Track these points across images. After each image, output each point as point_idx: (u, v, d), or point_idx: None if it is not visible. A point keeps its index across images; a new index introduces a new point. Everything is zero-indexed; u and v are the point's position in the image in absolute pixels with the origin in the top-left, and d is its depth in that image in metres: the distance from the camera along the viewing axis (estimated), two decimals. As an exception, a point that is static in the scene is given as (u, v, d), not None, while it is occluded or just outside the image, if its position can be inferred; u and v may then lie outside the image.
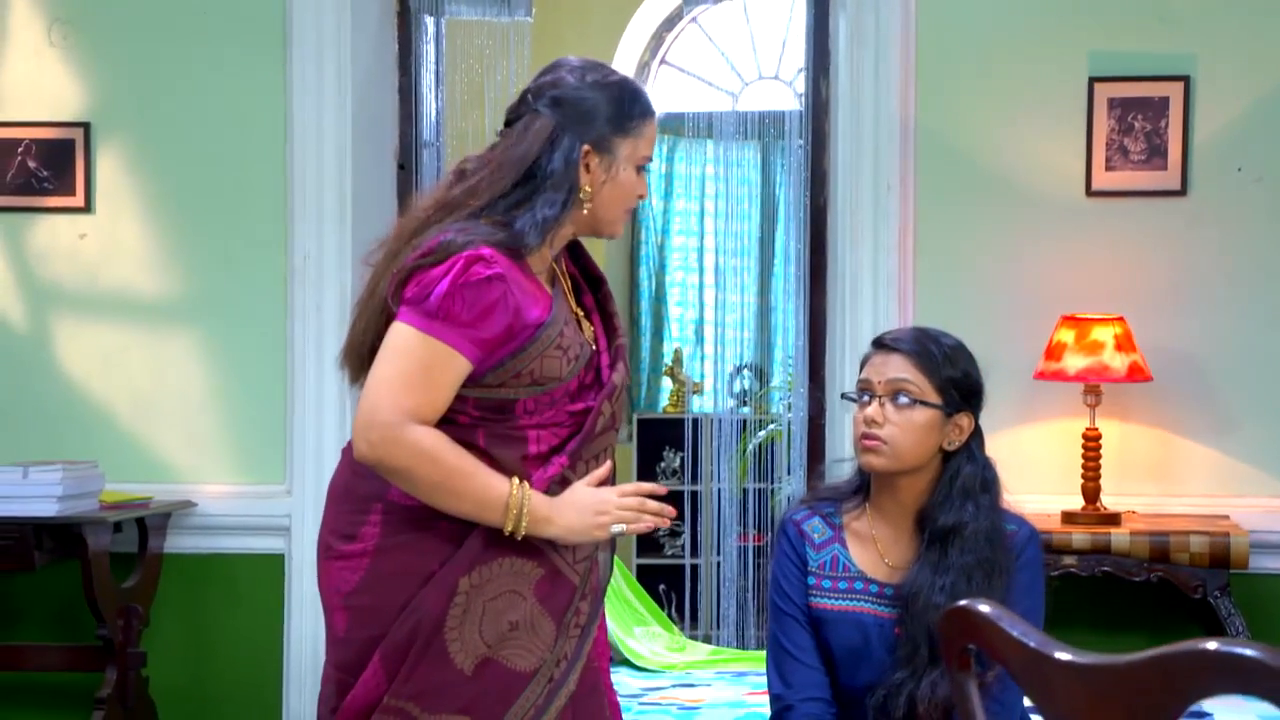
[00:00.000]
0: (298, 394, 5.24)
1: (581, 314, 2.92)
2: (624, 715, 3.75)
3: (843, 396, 3.19)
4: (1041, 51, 5.11)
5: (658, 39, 8.44)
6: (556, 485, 2.77)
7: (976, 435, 3.10)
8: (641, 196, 2.92)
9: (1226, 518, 4.87)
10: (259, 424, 5.29)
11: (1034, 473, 5.02)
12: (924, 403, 3.01)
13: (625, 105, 2.84)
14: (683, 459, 7.04)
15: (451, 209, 2.78)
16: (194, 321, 5.34)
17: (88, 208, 5.37)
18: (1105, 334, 4.76)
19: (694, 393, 7.87)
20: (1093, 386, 4.79)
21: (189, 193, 5.35)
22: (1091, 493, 4.81)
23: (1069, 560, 4.69)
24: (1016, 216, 5.09)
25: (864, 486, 3.14)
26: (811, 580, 3.09)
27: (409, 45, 5.52)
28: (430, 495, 2.69)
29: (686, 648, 4.59)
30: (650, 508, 2.85)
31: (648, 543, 7.49)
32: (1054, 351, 4.81)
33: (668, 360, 8.17)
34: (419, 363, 2.67)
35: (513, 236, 2.73)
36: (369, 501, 2.77)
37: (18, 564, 4.87)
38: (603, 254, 8.14)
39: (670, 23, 8.30)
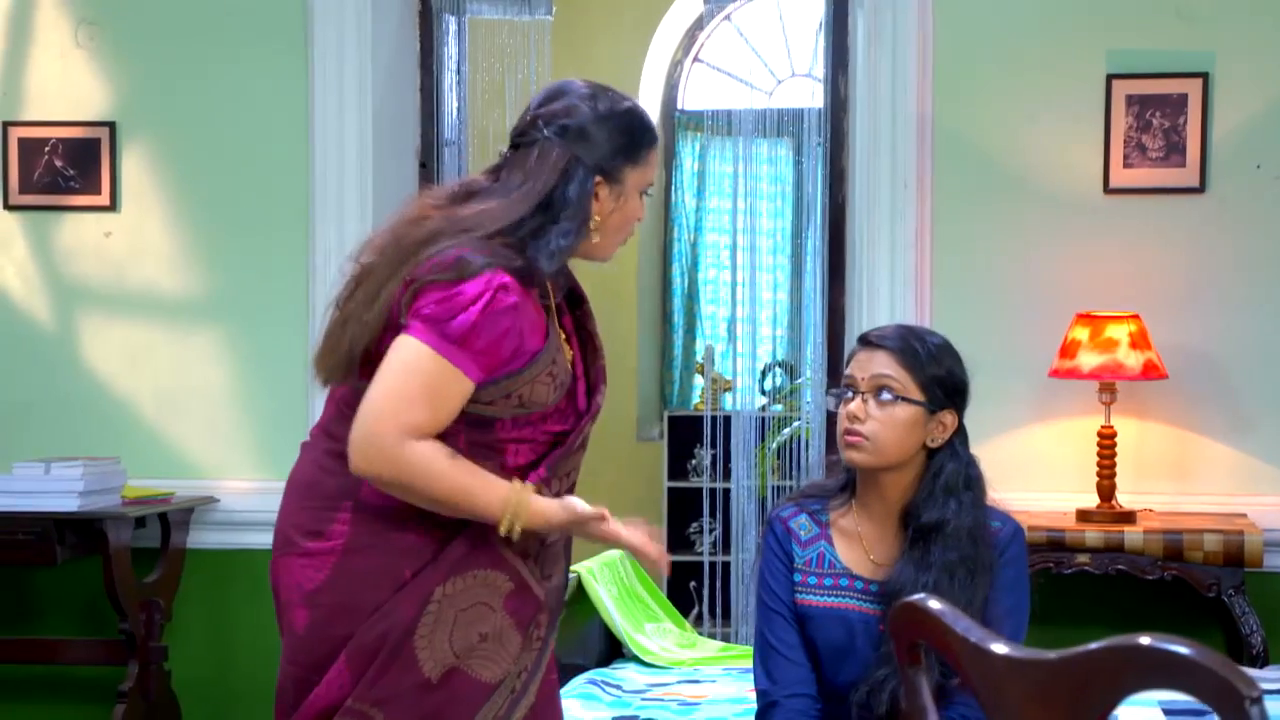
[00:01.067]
0: (318, 391, 5.24)
1: (563, 336, 2.93)
2: (627, 710, 3.79)
3: (828, 392, 3.21)
4: (1059, 49, 5.10)
5: (690, 37, 8.45)
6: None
7: (960, 432, 3.10)
8: (639, 220, 2.93)
9: (1244, 516, 4.86)
10: (281, 420, 5.34)
11: (1049, 471, 5.02)
12: (906, 399, 3.03)
13: (636, 135, 2.84)
14: (713, 456, 7.04)
15: (463, 228, 2.73)
16: (217, 319, 5.39)
17: (113, 206, 5.43)
18: (1120, 332, 4.75)
19: (724, 390, 7.88)
20: (1107, 384, 4.78)
21: (212, 191, 5.40)
22: (1106, 491, 4.80)
23: (1082, 558, 4.68)
24: (1033, 214, 5.09)
25: (850, 484, 3.16)
26: (798, 577, 3.11)
27: (430, 44, 5.56)
28: (426, 505, 2.68)
29: (697, 644, 4.60)
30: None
31: (679, 540, 7.51)
32: (1068, 349, 4.80)
33: (699, 358, 8.18)
34: (428, 381, 2.63)
35: (529, 265, 2.72)
36: (338, 499, 2.73)
37: (40, 559, 4.94)
38: (635, 252, 8.18)
39: (703, 21, 8.30)
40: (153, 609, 5.11)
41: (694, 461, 7.76)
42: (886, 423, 3.02)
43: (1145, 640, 1.68)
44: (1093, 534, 4.67)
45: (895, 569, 3.02)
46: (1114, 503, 4.80)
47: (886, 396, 3.03)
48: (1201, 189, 5.02)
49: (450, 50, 5.60)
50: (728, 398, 7.97)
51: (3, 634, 5.45)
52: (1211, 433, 5.01)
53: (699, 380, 8.14)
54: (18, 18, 5.45)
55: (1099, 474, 4.81)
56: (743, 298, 7.65)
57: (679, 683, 4.11)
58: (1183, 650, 1.64)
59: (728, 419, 6.76)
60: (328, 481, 2.76)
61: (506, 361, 2.69)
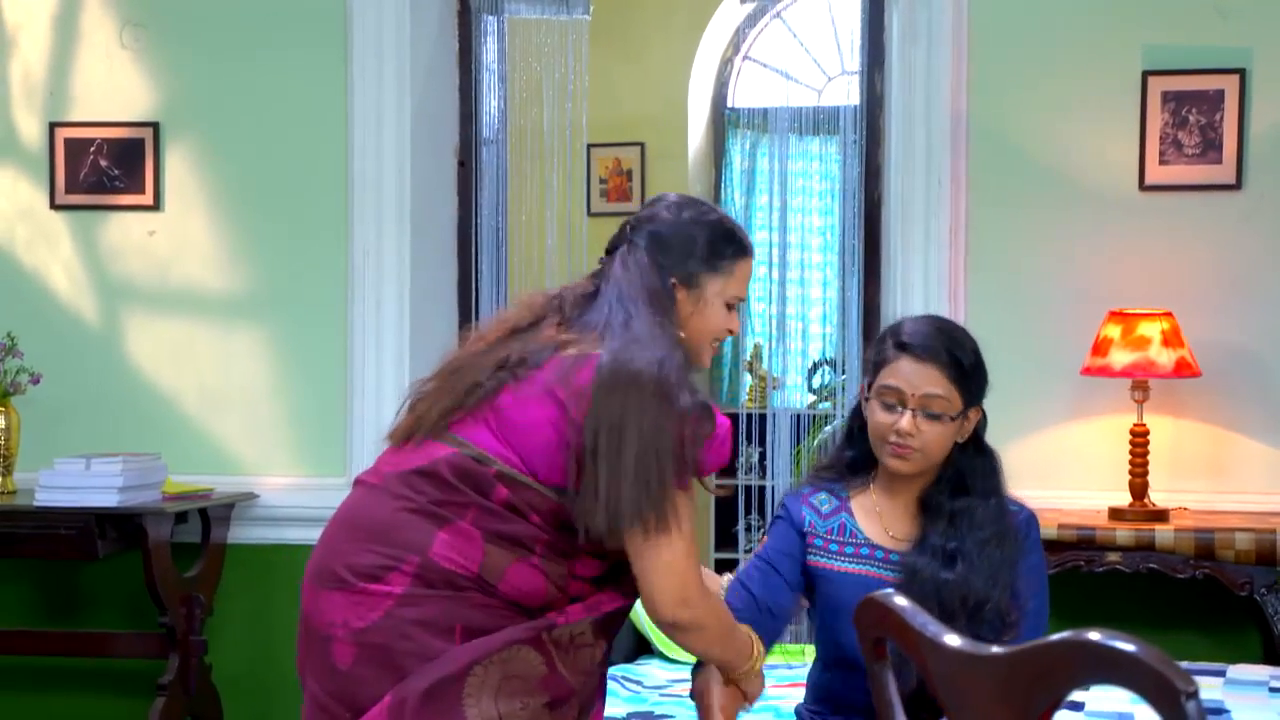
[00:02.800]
0: (357, 388, 5.33)
1: None
2: (643, 706, 3.80)
3: (864, 397, 3.20)
4: (1094, 45, 5.08)
5: (740, 34, 8.46)
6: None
7: (983, 422, 3.19)
8: (732, 332, 3.01)
9: (1279, 514, 4.82)
10: (320, 417, 5.40)
11: (1082, 469, 5.01)
12: (953, 416, 3.09)
13: (717, 244, 2.95)
14: (761, 454, 7.05)
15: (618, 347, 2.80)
16: (258, 316, 5.45)
17: (157, 205, 5.50)
18: (1152, 329, 4.73)
19: (773, 388, 7.88)
20: (1140, 382, 4.76)
21: (253, 190, 5.46)
22: (1139, 489, 4.78)
23: (1113, 557, 4.66)
24: (1068, 211, 5.07)
25: (861, 463, 3.22)
26: (818, 543, 3.18)
27: (469, 44, 5.60)
28: (709, 648, 2.89)
29: (723, 640, 4.60)
30: None
31: (725, 537, 7.53)
32: (1100, 347, 4.78)
33: (748, 355, 8.19)
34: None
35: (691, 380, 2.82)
36: (406, 550, 2.73)
37: (82, 553, 5.00)
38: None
39: (753, 18, 8.31)
40: (193, 603, 5.17)
41: (741, 459, 7.77)
42: (935, 437, 3.09)
43: (1090, 636, 1.69)
44: (1123, 532, 4.65)
45: (917, 545, 3.10)
46: (1146, 501, 4.78)
47: (936, 413, 3.08)
48: (1238, 186, 4.99)
49: (489, 50, 5.63)
50: (777, 395, 7.97)
51: (47, 626, 5.55)
52: (1247, 431, 4.97)
53: (749, 378, 8.15)
54: (64, 20, 5.53)
55: (1131, 472, 4.79)
56: (792, 295, 7.67)
57: (701, 679, 4.11)
58: (1123, 646, 1.65)
59: (774, 416, 6.77)
60: (398, 531, 2.75)
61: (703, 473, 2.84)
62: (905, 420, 3.06)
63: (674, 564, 2.72)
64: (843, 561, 3.15)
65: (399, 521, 2.74)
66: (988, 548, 3.05)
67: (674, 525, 2.71)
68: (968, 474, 3.14)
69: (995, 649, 1.80)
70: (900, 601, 1.96)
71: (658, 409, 2.69)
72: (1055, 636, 1.75)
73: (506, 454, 2.75)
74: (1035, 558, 3.17)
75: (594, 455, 2.69)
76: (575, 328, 2.86)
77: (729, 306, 2.96)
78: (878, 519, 3.17)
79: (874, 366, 3.16)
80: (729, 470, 7.74)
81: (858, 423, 3.22)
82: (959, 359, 3.09)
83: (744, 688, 3.00)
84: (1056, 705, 1.76)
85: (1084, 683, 1.73)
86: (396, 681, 2.69)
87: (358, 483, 2.89)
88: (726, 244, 2.95)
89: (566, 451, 2.72)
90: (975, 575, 3.01)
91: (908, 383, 3.07)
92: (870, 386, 3.16)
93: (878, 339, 3.22)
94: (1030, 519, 3.21)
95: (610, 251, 2.97)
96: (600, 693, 2.92)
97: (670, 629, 2.79)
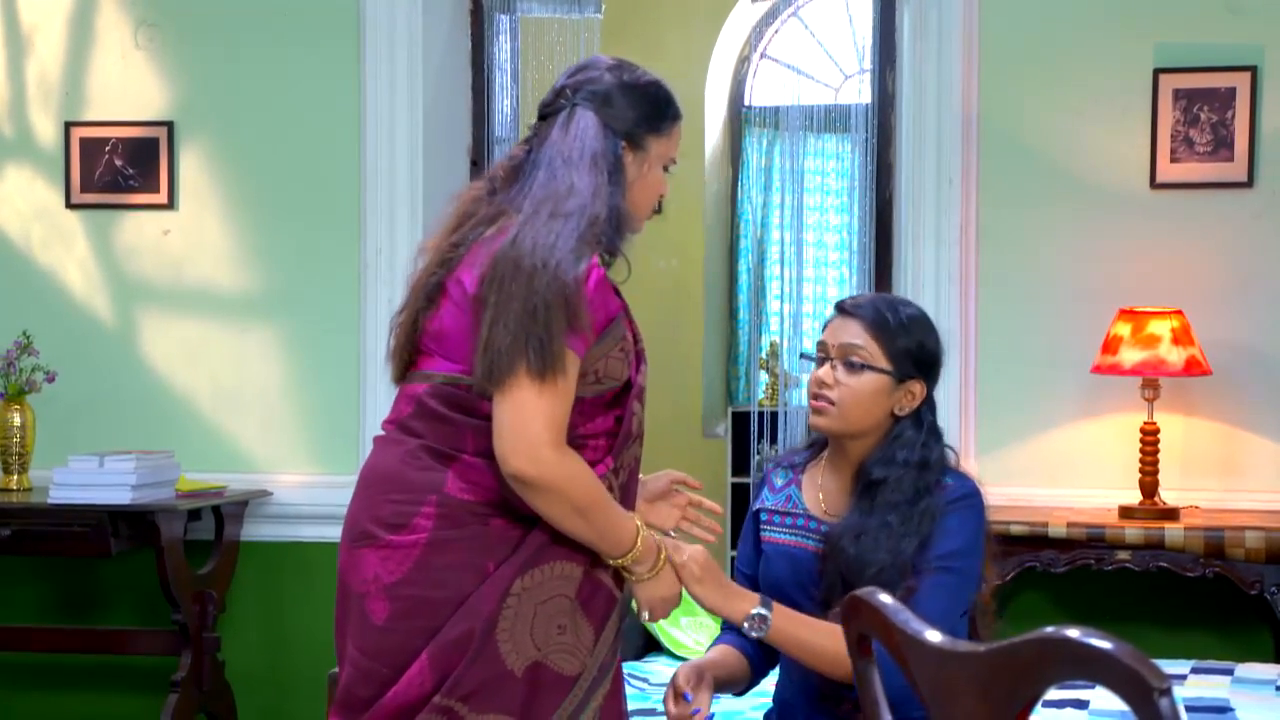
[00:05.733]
0: (370, 385, 5.35)
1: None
2: (645, 703, 3.82)
3: (801, 356, 3.27)
4: (1105, 43, 5.08)
5: (758, 33, 8.46)
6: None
7: (928, 402, 3.14)
8: (663, 196, 2.99)
9: (1290, 513, 4.82)
10: (333, 415, 5.42)
11: (1092, 467, 5.01)
12: (873, 368, 3.06)
13: (660, 105, 2.91)
14: (777, 452, 7.06)
15: (535, 213, 2.79)
16: (271, 314, 5.48)
17: (171, 205, 5.53)
18: (1162, 327, 4.73)
19: (789, 386, 7.89)
20: (1150, 380, 4.75)
21: (267, 190, 5.49)
22: (1149, 487, 4.77)
23: (1123, 555, 4.66)
24: (1079, 210, 5.07)
25: (824, 442, 3.23)
26: (764, 517, 3.19)
27: (481, 42, 5.61)
28: (566, 518, 2.72)
29: (731, 638, 4.61)
30: (704, 522, 3.08)
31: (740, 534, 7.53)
32: (1110, 345, 4.77)
33: (765, 354, 8.20)
34: (564, 376, 2.69)
35: (603, 237, 2.79)
36: (424, 492, 2.75)
37: (95, 550, 5.03)
38: (702, 247, 8.22)
39: (770, 17, 8.32)
40: (206, 600, 5.20)
41: (758, 457, 7.78)
42: (853, 389, 3.07)
43: (1065, 634, 1.70)
44: (1134, 531, 4.64)
45: (841, 519, 3.08)
46: (1156, 499, 4.77)
47: (854, 363, 3.06)
48: (1250, 183, 4.98)
49: (501, 48, 5.65)
50: (795, 394, 7.98)
51: (60, 623, 5.58)
52: (1258, 429, 4.97)
53: (765, 376, 8.16)
54: (79, 20, 5.56)
55: (1141, 470, 4.78)
56: (808, 293, 7.68)
57: (707, 676, 4.12)
58: (1098, 644, 1.65)
59: (788, 414, 6.78)
60: (412, 475, 2.78)
61: (599, 330, 2.74)
62: (824, 369, 3.08)
63: (530, 413, 2.65)
64: (781, 534, 3.15)
65: (410, 465, 2.78)
66: (891, 516, 3.00)
67: (548, 376, 2.65)
68: (903, 448, 3.09)
69: (974, 646, 1.81)
70: (883, 598, 1.97)
71: (550, 269, 2.67)
72: (1032, 634, 1.75)
73: (461, 367, 2.77)
74: (954, 520, 3.03)
75: (485, 309, 2.70)
76: (505, 202, 2.83)
77: (664, 169, 2.94)
78: (817, 491, 3.18)
79: None
80: (743, 466, 7.75)
81: None
82: (884, 316, 3.09)
83: (636, 594, 2.85)
84: (1035, 701, 1.76)
85: (1061, 680, 1.73)
86: (434, 633, 2.71)
87: (375, 440, 2.93)
88: (667, 105, 2.92)
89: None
90: (880, 548, 2.98)
91: (832, 335, 3.11)
92: None
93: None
94: (967, 493, 3.07)
95: (545, 116, 2.91)
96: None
97: (516, 484, 2.68)
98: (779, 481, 3.24)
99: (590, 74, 2.91)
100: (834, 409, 3.07)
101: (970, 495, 3.08)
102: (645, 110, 2.89)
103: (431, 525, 2.74)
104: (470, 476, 2.74)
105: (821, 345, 3.12)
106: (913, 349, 3.09)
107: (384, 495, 2.80)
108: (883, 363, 3.07)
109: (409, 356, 2.89)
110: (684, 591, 2.92)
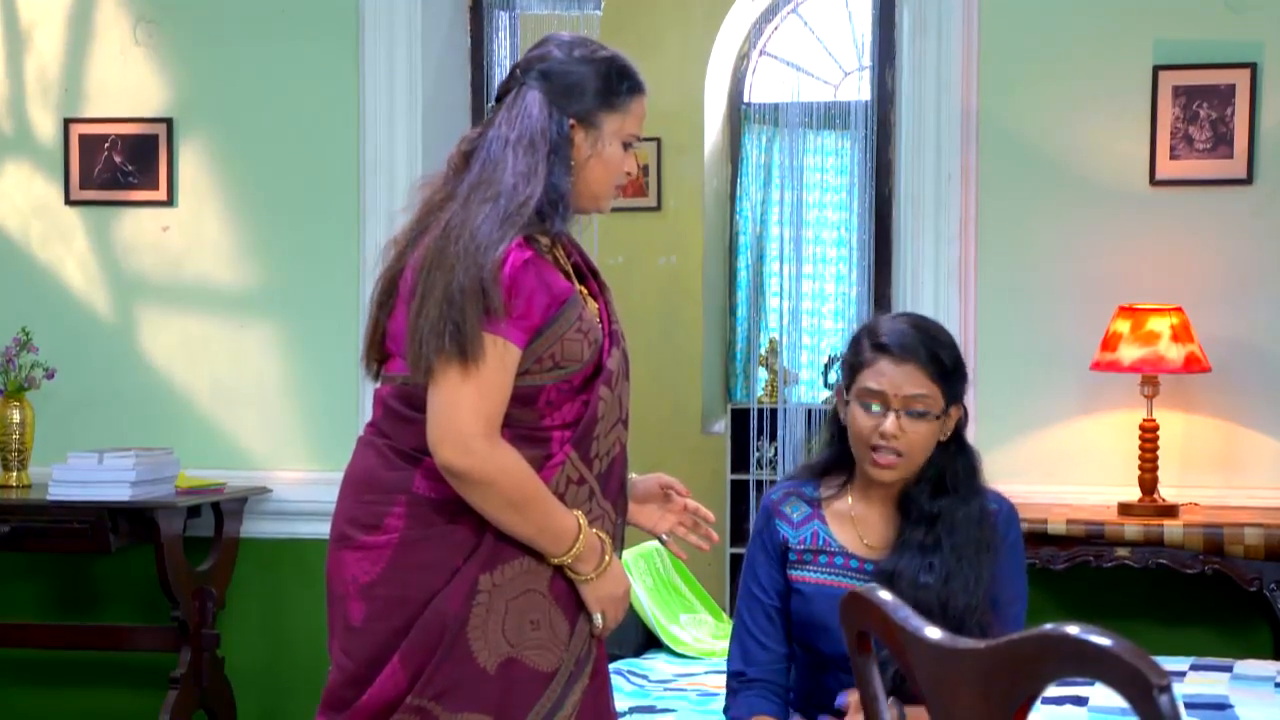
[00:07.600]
0: (369, 383, 5.30)
1: (586, 293, 2.95)
2: (645, 700, 3.82)
3: (842, 400, 3.17)
4: (1105, 39, 5.08)
5: (758, 30, 8.45)
6: (571, 483, 2.80)
7: (963, 419, 3.13)
8: (629, 174, 2.94)
9: (1290, 510, 4.82)
10: (332, 412, 5.42)
11: (1091, 464, 5.01)
12: (936, 414, 3.05)
13: (613, 81, 2.86)
14: (777, 449, 7.06)
15: (468, 197, 2.77)
16: (270, 312, 5.47)
17: (170, 201, 5.52)
18: (1161, 324, 4.72)
19: (787, 383, 7.89)
20: (1149, 377, 4.75)
21: (266, 186, 5.49)
22: (1148, 484, 4.77)
23: (1122, 552, 4.66)
24: (1079, 206, 5.07)
25: (838, 463, 3.18)
26: (792, 556, 3.14)
27: (481, 39, 5.61)
28: (500, 511, 2.71)
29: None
30: (701, 529, 3.06)
31: (740, 534, 7.52)
32: (1110, 342, 4.77)
33: (764, 351, 8.19)
34: (485, 363, 2.68)
35: (537, 219, 2.75)
36: (392, 493, 2.77)
37: (95, 547, 5.04)
38: (701, 244, 8.21)
39: (770, 13, 8.31)
40: (205, 597, 5.20)
41: (757, 455, 7.78)
42: (920, 437, 3.04)
43: (1065, 630, 1.69)
44: (1133, 527, 4.64)
45: (895, 550, 3.05)
46: (1156, 496, 4.77)
47: (919, 412, 3.03)
48: (1249, 180, 4.98)
49: (501, 45, 5.65)
50: (794, 391, 7.98)
51: (59, 620, 5.59)
52: (1257, 426, 4.97)
53: (764, 373, 8.16)
54: (78, 17, 5.56)
55: (1141, 467, 4.78)
56: (807, 290, 7.69)
57: (706, 673, 4.13)
58: (1098, 641, 1.65)
59: (786, 412, 6.78)
60: (382, 475, 2.80)
61: (543, 314, 2.72)
62: (890, 422, 3.01)
63: (456, 402, 2.65)
64: (817, 573, 3.11)
65: (381, 466, 2.80)
66: (967, 553, 2.99)
67: (469, 364, 2.65)
68: (948, 474, 3.08)
69: (974, 643, 1.81)
70: (883, 595, 1.97)
71: (469, 254, 2.66)
72: (1032, 631, 1.75)
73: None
74: (1016, 560, 3.11)
75: (414, 299, 2.71)
76: (454, 189, 2.81)
77: (625, 146, 2.88)
78: (852, 526, 3.13)
79: (851, 369, 3.11)
80: (742, 463, 7.75)
81: (836, 428, 3.18)
82: (939, 356, 3.05)
83: (584, 596, 2.81)
84: (1034, 698, 1.76)
85: (1060, 677, 1.73)
86: (407, 633, 2.72)
87: (356, 442, 2.95)
88: (621, 80, 2.86)
89: None
90: (954, 581, 2.97)
91: (890, 384, 3.03)
92: (849, 389, 3.11)
93: (852, 340, 3.16)
94: (1010, 516, 3.14)
95: (500, 98, 2.88)
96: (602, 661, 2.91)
97: (448, 476, 2.69)
98: (796, 516, 3.16)
99: (541, 50, 2.89)
100: (902, 461, 3.04)
101: (1012, 515, 3.13)
102: (597, 85, 2.84)
103: (402, 525, 2.76)
104: (436, 475, 2.74)
105: (878, 395, 3.03)
106: (961, 380, 3.09)
107: (358, 497, 2.83)
108: (941, 405, 3.05)
109: (379, 357, 2.93)
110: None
